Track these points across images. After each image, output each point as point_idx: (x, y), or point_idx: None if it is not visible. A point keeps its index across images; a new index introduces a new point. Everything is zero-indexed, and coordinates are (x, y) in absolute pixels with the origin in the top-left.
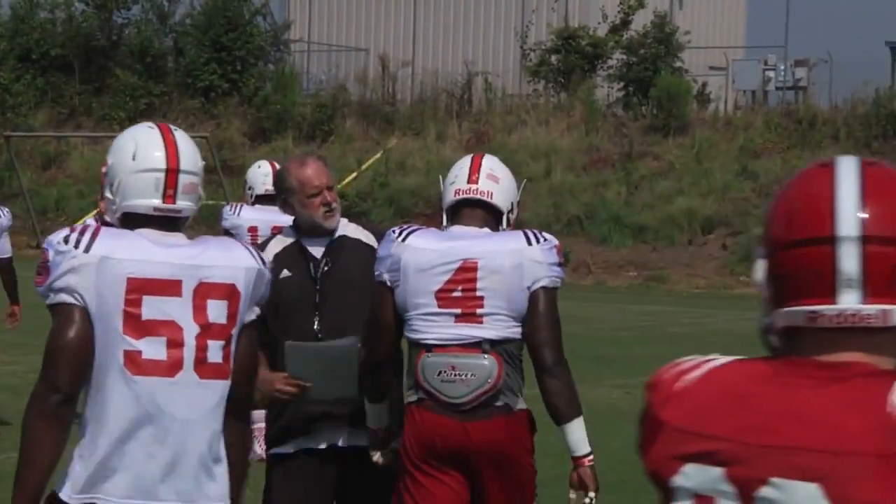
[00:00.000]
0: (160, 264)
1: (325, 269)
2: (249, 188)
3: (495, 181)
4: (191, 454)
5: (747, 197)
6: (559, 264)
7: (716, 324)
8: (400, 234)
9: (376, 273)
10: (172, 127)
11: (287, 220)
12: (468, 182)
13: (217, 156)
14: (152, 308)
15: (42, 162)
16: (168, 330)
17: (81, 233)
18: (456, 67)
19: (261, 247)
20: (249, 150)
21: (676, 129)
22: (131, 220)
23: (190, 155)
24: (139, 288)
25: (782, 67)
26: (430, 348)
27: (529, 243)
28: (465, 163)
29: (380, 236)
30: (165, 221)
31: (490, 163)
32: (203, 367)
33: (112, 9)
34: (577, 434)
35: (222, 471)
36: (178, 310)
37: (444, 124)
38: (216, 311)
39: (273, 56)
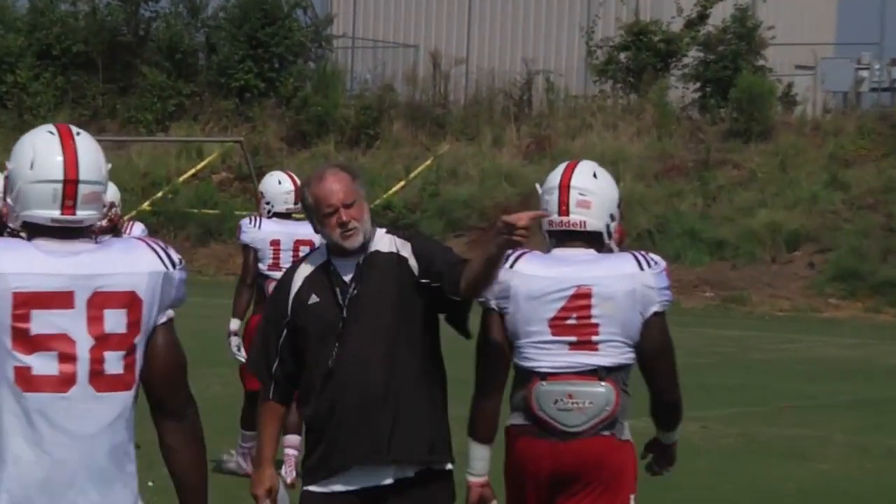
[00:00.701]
0: (50, 276)
1: (354, 293)
2: (268, 203)
3: (587, 207)
4: (90, 469)
5: (837, 210)
6: (668, 287)
7: (802, 350)
8: (507, 259)
9: (482, 299)
10: (76, 130)
11: (309, 231)
12: (559, 214)
13: (252, 162)
14: (42, 322)
15: None
16: (59, 344)
17: None
18: (514, 66)
19: (293, 267)
20: (287, 155)
21: (759, 135)
22: (31, 229)
23: (92, 163)
24: (26, 302)
25: (877, 67)
26: (544, 376)
27: (641, 268)
28: (554, 183)
29: (418, 246)
30: (66, 231)
31: (580, 182)
32: (100, 380)
33: (139, 1)
34: (679, 430)
35: (129, 483)
36: (70, 322)
37: (500, 128)
38: (114, 320)
39: (314, 53)
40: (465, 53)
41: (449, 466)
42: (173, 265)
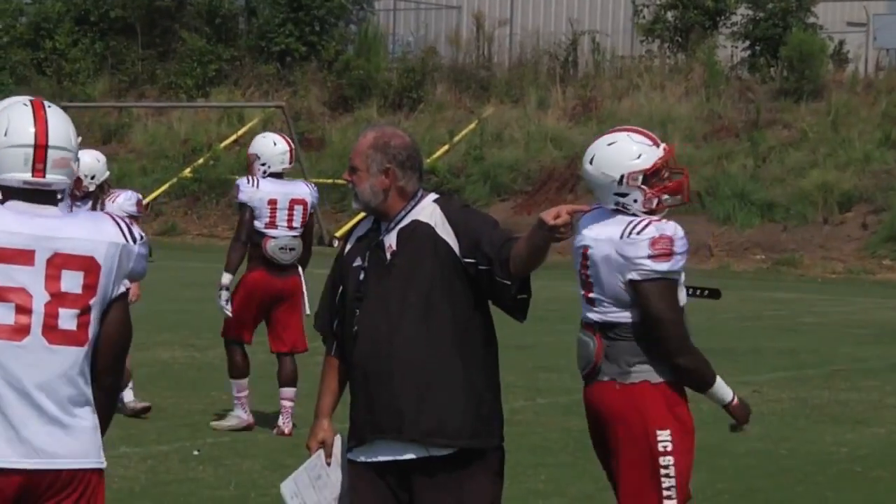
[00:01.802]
0: (15, 234)
1: (388, 260)
2: (263, 164)
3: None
4: (41, 414)
5: (891, 169)
6: (654, 256)
7: (855, 313)
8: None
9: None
10: (47, 104)
11: (303, 191)
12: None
13: (293, 127)
14: (3, 275)
15: (102, 135)
16: (17, 296)
17: None
18: (559, 26)
19: (354, 225)
20: (329, 120)
21: (810, 94)
22: (7, 192)
23: (61, 131)
24: None
25: None
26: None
27: (621, 236)
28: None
29: (461, 223)
30: (38, 194)
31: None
32: (53, 334)
33: None
34: (719, 393)
35: (80, 431)
36: (29, 278)
37: (546, 90)
38: (71, 281)
39: (356, 16)
40: (508, 14)
41: (490, 446)
42: (134, 240)
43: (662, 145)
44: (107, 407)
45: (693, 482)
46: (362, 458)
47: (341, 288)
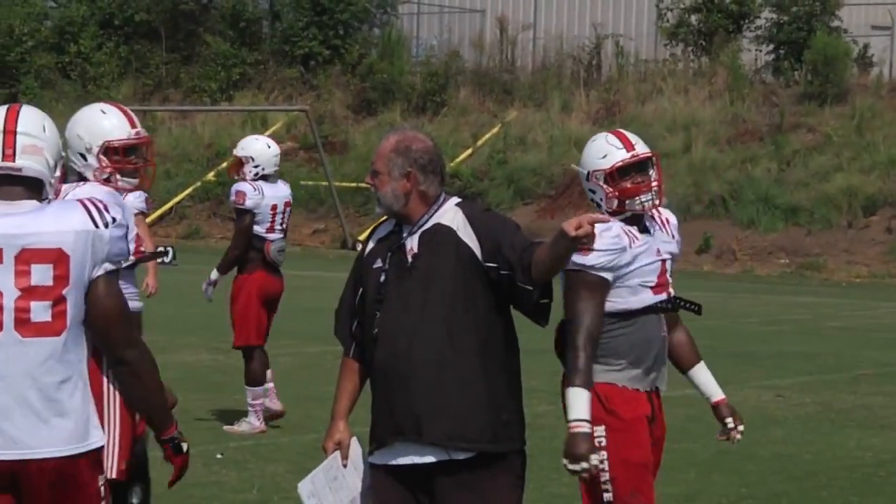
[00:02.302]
0: None
1: (408, 263)
2: (257, 166)
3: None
4: (20, 406)
5: None
6: (578, 249)
7: (879, 317)
8: None
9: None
10: (23, 104)
11: (288, 191)
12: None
13: (317, 131)
14: None
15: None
16: None
17: None
18: (583, 30)
19: (374, 228)
20: (353, 123)
21: (834, 98)
22: None
23: (31, 121)
24: None
25: None
26: None
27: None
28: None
29: (483, 227)
30: (10, 180)
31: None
32: (25, 327)
33: None
34: (569, 400)
35: (64, 418)
36: None
37: (569, 94)
38: (41, 274)
39: (379, 19)
40: (532, 18)
41: (511, 450)
42: (105, 224)
43: (635, 151)
44: (137, 384)
45: (718, 486)
46: (383, 461)
47: (361, 290)
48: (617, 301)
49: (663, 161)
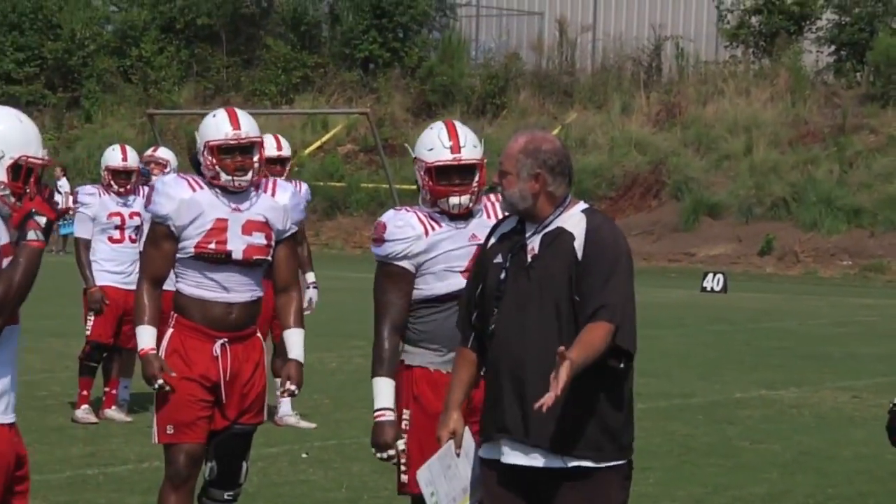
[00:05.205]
0: None
1: (528, 262)
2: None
3: None
4: None
5: None
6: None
7: None
8: None
9: None
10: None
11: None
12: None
13: (377, 133)
14: None
15: (187, 142)
16: None
17: None
18: (643, 32)
19: (498, 222)
20: (413, 126)
21: None
22: None
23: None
24: None
25: None
26: None
27: None
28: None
29: (591, 248)
30: None
31: None
32: None
33: None
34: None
35: None
36: None
37: (629, 96)
38: None
39: (439, 22)
40: (591, 20)
41: (615, 464)
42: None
43: (459, 155)
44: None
45: (803, 486)
46: (489, 456)
47: (482, 284)
48: (423, 288)
49: (724, 162)
